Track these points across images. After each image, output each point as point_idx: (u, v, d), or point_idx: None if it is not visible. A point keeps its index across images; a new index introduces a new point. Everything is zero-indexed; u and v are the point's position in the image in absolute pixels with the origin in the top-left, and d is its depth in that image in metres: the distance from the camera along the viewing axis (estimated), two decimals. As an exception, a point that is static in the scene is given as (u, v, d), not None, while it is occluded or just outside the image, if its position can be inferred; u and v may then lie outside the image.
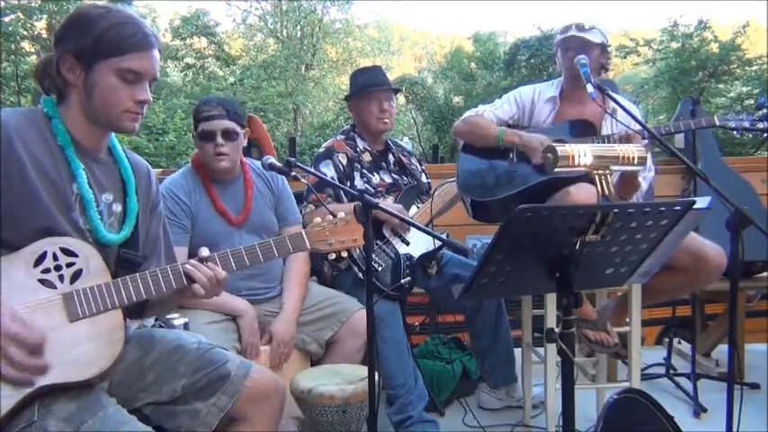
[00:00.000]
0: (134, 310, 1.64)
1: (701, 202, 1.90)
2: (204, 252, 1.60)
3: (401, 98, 19.03)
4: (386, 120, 2.93)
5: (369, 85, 2.92)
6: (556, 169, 1.66)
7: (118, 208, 1.64)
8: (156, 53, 1.57)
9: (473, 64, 22.08)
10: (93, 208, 1.55)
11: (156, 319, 2.12)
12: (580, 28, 2.60)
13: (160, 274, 1.56)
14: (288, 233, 2.47)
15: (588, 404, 2.73)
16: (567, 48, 2.60)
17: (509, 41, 22.17)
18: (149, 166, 1.79)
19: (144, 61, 1.54)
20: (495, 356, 2.96)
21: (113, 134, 1.66)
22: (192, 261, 1.58)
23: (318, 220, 1.72)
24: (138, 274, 1.55)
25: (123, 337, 1.50)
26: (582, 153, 1.63)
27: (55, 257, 1.47)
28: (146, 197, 1.72)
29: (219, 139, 2.41)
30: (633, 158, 1.69)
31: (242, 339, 2.37)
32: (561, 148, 1.65)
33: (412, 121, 21.05)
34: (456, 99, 21.04)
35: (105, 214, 1.60)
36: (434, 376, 3.04)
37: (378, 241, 2.77)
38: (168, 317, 2.10)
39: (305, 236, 1.70)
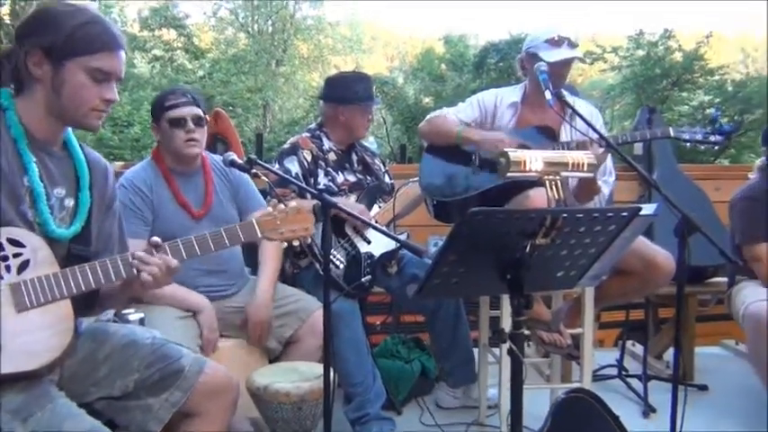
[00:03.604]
0: (85, 305, 1.63)
1: (648, 208, 1.96)
2: (155, 240, 1.61)
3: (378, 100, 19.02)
4: (368, 129, 3.07)
5: (368, 99, 2.97)
6: (508, 174, 1.71)
7: (70, 203, 1.63)
8: (123, 54, 1.60)
9: (443, 65, 22.21)
10: (44, 201, 1.54)
11: (115, 314, 2.11)
12: (572, 45, 2.63)
13: (109, 263, 1.55)
14: None
15: (542, 404, 2.78)
16: (559, 64, 2.57)
17: (480, 44, 22.34)
18: (108, 164, 1.78)
19: (113, 61, 1.57)
20: (455, 357, 3.00)
21: (69, 129, 1.65)
22: (140, 253, 1.58)
23: (269, 209, 1.73)
24: (86, 264, 1.54)
25: (72, 328, 1.49)
26: (533, 159, 1.68)
27: (1, 248, 1.46)
28: (101, 194, 1.71)
29: (191, 125, 2.42)
30: (583, 165, 1.74)
31: (201, 335, 2.37)
32: (513, 154, 1.70)
33: (382, 120, 21.08)
34: (426, 100, 21.14)
35: (56, 208, 1.59)
36: (393, 375, 3.06)
37: (339, 239, 2.79)
38: (124, 312, 2.08)
39: (255, 224, 1.70)
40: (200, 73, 21.28)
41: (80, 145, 1.69)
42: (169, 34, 22.21)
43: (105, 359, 1.67)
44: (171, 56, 21.99)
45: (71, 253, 1.60)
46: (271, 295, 2.50)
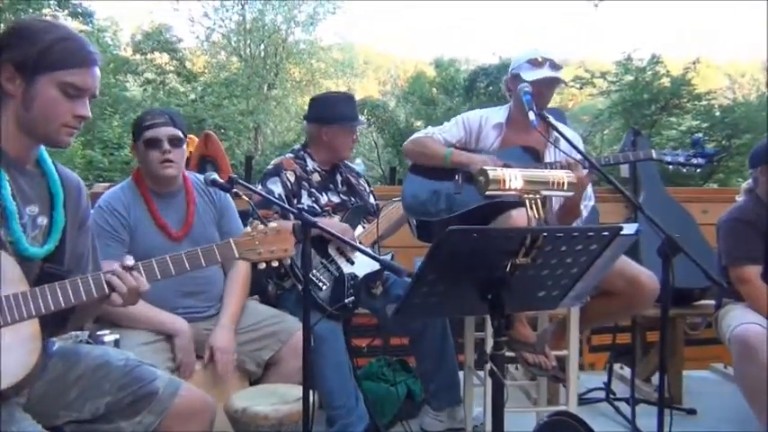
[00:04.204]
0: (54, 324, 1.59)
1: (629, 228, 1.96)
2: (129, 261, 1.57)
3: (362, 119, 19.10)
4: (352, 149, 3.06)
5: (352, 119, 2.98)
6: (487, 192, 1.70)
7: (43, 221, 1.60)
8: (97, 71, 1.58)
9: (434, 89, 22.35)
10: (15, 220, 1.51)
11: (89, 336, 2.07)
12: (554, 66, 2.65)
13: (80, 282, 1.52)
14: None
15: (530, 427, 2.75)
16: (540, 84, 2.59)
17: (470, 68, 22.52)
18: (81, 182, 1.76)
19: (86, 77, 1.55)
20: (440, 379, 2.97)
21: (43, 147, 1.63)
22: (117, 270, 1.55)
23: (248, 229, 1.71)
24: (57, 282, 1.51)
25: (40, 348, 1.46)
26: (513, 177, 1.67)
27: None
28: (74, 212, 1.68)
29: (166, 146, 2.39)
30: (563, 184, 1.73)
31: (176, 359, 2.32)
32: (493, 172, 1.69)
33: (373, 143, 21.16)
34: (417, 123, 21.22)
35: (29, 227, 1.56)
36: (378, 398, 3.03)
37: (323, 260, 2.76)
38: (99, 333, 2.05)
39: (233, 244, 1.68)
40: (192, 96, 21.28)
41: (53, 163, 1.66)
42: (161, 58, 22.28)
43: (76, 381, 1.63)
44: (163, 79, 22.01)
45: (44, 272, 1.57)
46: (234, 326, 2.45)
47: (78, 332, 2.00)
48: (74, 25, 17.26)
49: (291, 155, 2.99)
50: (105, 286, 1.53)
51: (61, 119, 1.54)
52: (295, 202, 2.81)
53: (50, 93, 1.51)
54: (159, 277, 1.60)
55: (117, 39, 22.15)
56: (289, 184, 2.83)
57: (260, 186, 2.83)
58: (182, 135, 2.45)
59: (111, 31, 21.75)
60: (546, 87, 2.63)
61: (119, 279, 1.54)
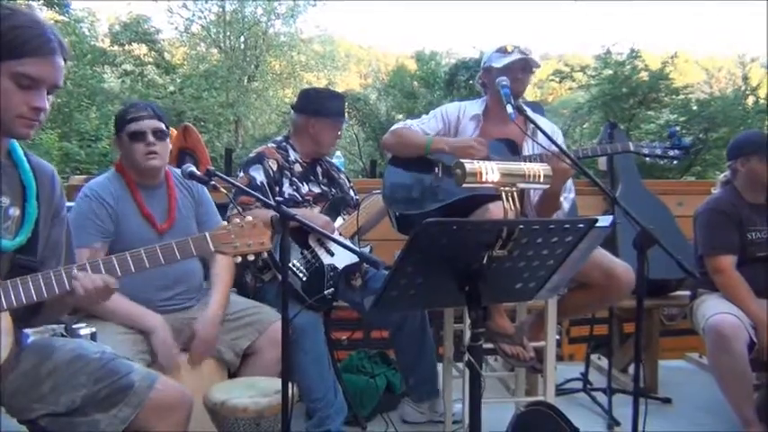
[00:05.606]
0: (25, 317, 1.57)
1: (603, 220, 1.98)
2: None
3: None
4: (334, 146, 3.12)
5: (339, 115, 3.02)
6: (464, 185, 1.70)
7: (15, 212, 1.58)
8: (58, 60, 1.51)
9: (415, 82, 22.37)
10: None
11: (65, 329, 2.05)
12: (523, 53, 2.67)
13: (53, 275, 1.51)
14: None
15: (508, 418, 2.78)
16: (513, 69, 2.63)
17: (451, 62, 22.54)
18: (54, 171, 1.73)
19: (42, 67, 1.48)
20: (420, 371, 2.99)
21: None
22: (77, 273, 1.53)
23: (224, 223, 1.71)
24: (29, 276, 1.49)
25: (12, 342, 1.44)
26: (490, 170, 1.68)
27: None
28: (48, 203, 1.66)
29: (151, 138, 2.39)
30: (539, 176, 1.74)
31: (157, 358, 2.29)
32: (470, 165, 1.69)
33: (354, 137, 21.11)
34: (398, 116, 21.23)
35: (1, 218, 1.54)
36: (358, 390, 3.04)
37: (303, 251, 2.76)
38: (75, 326, 2.03)
39: (208, 238, 1.67)
40: (171, 88, 21.08)
41: (26, 153, 1.64)
42: (140, 49, 22.00)
43: (49, 374, 1.61)
44: (141, 71, 21.75)
45: (17, 263, 1.55)
46: (222, 316, 2.45)
47: (55, 325, 1.99)
48: (49, 15, 16.99)
49: (274, 145, 2.99)
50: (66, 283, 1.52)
51: (15, 111, 1.48)
52: (277, 189, 2.81)
53: (3, 84, 1.46)
54: (134, 270, 1.59)
55: (94, 29, 21.86)
56: (271, 172, 2.83)
57: (242, 173, 2.84)
58: (165, 128, 2.45)
59: (88, 21, 21.46)
60: (520, 71, 2.65)
61: (78, 283, 1.52)
